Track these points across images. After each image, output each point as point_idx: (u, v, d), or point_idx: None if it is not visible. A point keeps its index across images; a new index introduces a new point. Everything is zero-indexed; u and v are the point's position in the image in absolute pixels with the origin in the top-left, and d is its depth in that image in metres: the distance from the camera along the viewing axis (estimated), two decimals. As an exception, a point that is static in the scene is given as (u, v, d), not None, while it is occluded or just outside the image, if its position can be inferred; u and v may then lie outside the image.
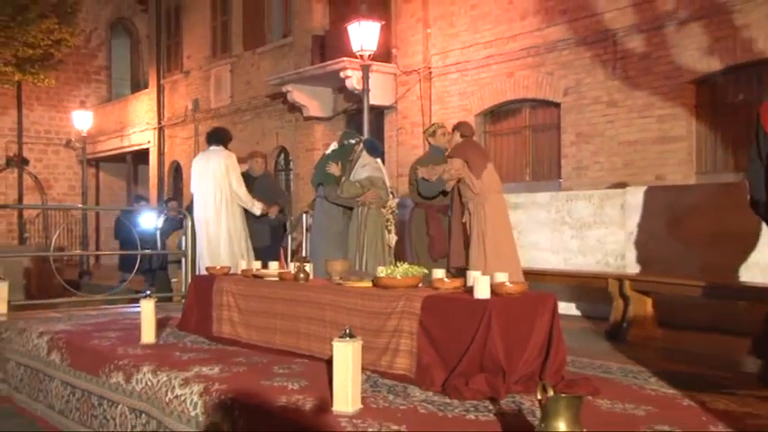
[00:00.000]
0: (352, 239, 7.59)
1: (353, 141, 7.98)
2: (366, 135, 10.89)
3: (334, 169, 7.65)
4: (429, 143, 7.88)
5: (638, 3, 10.27)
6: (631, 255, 7.86)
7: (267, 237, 8.68)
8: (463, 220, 6.91)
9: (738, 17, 9.33)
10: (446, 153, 7.27)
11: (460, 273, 5.83)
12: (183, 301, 7.24)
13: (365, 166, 7.69)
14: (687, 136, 9.86)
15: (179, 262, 10.43)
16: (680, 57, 9.88)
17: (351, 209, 7.70)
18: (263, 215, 8.49)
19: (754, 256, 6.81)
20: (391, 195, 7.84)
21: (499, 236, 6.52)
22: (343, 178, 7.66)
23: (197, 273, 8.14)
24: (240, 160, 8.64)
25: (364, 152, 7.87)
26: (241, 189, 8.15)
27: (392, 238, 7.73)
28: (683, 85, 9.89)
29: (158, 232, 11.75)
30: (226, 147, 8.31)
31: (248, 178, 8.72)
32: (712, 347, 6.20)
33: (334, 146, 8.21)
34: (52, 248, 13.38)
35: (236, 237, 8.09)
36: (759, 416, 3.51)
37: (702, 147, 9.85)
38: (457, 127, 7.24)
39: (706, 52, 9.64)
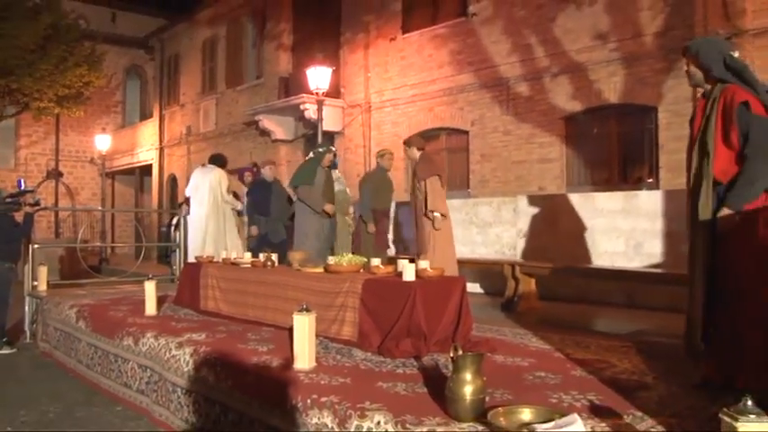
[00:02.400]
0: (326, 238, 7.39)
1: (323, 150, 7.40)
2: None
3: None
4: (378, 163, 7.74)
5: (524, 59, 10.44)
6: (520, 246, 7.99)
7: (283, 233, 8.19)
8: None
9: (591, 73, 9.60)
10: (415, 167, 6.64)
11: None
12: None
13: (338, 179, 7.64)
14: (559, 158, 10.05)
15: None
16: (554, 99, 10.08)
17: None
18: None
19: (606, 246, 7.01)
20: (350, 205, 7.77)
21: (446, 234, 6.50)
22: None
23: (188, 255, 8.10)
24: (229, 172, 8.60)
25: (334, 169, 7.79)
26: (228, 196, 8.15)
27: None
28: (556, 120, 10.07)
29: (172, 228, 11.53)
30: (221, 168, 8.35)
31: (264, 183, 8.32)
32: (577, 315, 6.34)
33: (311, 155, 7.59)
34: (79, 241, 13.07)
35: (222, 231, 8.08)
36: (606, 361, 3.61)
37: (570, 166, 10.04)
38: (412, 142, 6.67)
39: (571, 97, 9.86)
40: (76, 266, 12.12)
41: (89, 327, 5.26)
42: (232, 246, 7.66)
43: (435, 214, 6.28)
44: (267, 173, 8.55)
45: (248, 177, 9.45)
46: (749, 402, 1.87)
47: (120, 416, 4.27)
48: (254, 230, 8.17)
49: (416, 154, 6.53)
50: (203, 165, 8.69)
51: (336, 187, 7.55)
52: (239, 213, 8.40)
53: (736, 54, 3.24)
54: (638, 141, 9.31)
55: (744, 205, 2.96)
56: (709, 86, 3.23)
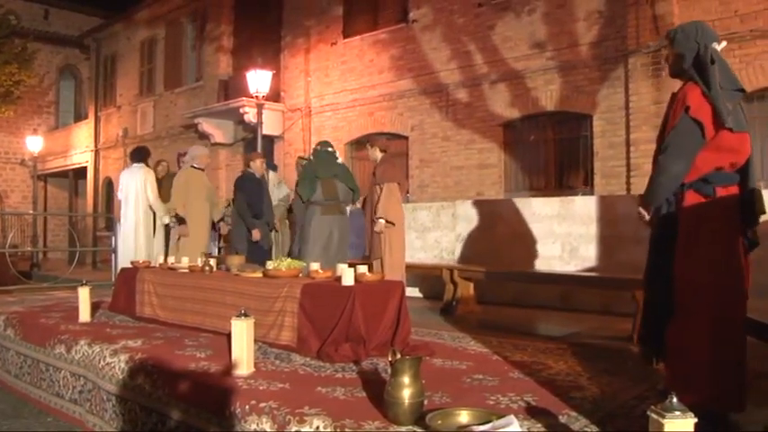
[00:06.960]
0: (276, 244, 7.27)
1: (331, 149, 6.49)
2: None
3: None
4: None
5: (463, 66, 10.60)
6: (459, 251, 8.06)
7: (271, 239, 7.36)
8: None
9: (529, 81, 9.83)
10: (375, 168, 6.48)
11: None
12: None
13: (279, 183, 7.44)
14: (498, 164, 10.23)
15: None
16: (492, 106, 10.26)
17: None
18: (168, 224, 7.75)
19: (542, 250, 7.16)
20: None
21: (400, 238, 6.49)
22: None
23: (118, 263, 7.85)
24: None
25: (270, 172, 7.58)
26: (156, 201, 7.80)
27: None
28: (495, 127, 10.25)
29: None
30: (145, 162, 8.00)
31: (254, 179, 7.15)
32: (514, 318, 6.43)
33: (309, 158, 6.63)
34: (8, 245, 12.51)
35: (152, 237, 7.85)
36: (542, 363, 3.70)
37: (508, 172, 10.23)
38: (375, 143, 6.49)
39: (509, 104, 10.06)
40: (5, 272, 11.66)
41: (18, 335, 5.04)
42: (161, 253, 7.38)
43: (380, 221, 6.22)
44: (257, 167, 7.23)
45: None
46: (675, 400, 1.94)
47: (52, 427, 4.14)
48: (257, 234, 6.91)
49: (378, 155, 6.50)
50: (128, 165, 8.28)
51: (284, 191, 7.39)
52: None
53: (721, 45, 2.86)
54: (574, 148, 9.58)
55: (648, 203, 2.83)
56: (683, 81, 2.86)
